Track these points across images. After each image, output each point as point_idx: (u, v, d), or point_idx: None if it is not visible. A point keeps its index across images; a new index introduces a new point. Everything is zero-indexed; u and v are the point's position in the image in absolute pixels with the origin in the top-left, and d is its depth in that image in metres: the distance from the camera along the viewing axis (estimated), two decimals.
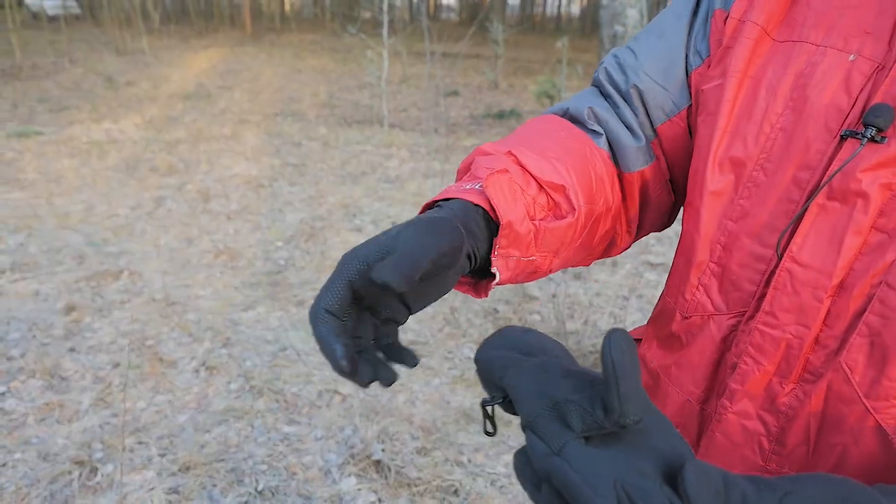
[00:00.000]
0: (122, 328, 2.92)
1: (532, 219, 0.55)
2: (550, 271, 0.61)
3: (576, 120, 0.68)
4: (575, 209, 0.56)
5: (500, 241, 0.53)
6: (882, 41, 0.50)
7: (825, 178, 0.50)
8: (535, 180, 0.56)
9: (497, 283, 0.55)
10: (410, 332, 3.02)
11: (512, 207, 0.53)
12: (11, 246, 3.77)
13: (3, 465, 2.08)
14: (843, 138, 0.49)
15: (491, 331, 3.07)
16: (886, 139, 0.47)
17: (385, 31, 7.30)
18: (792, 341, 0.52)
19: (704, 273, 0.59)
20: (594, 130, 0.66)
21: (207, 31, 18.18)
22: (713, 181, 0.58)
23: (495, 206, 0.52)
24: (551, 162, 0.57)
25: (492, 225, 0.54)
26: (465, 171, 0.61)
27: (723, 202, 0.58)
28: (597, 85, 0.71)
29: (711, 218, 0.58)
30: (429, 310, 3.24)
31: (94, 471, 2.07)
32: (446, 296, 3.46)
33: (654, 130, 0.67)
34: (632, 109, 0.66)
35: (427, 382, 2.65)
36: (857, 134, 0.48)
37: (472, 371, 2.74)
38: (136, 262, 3.63)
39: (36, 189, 4.80)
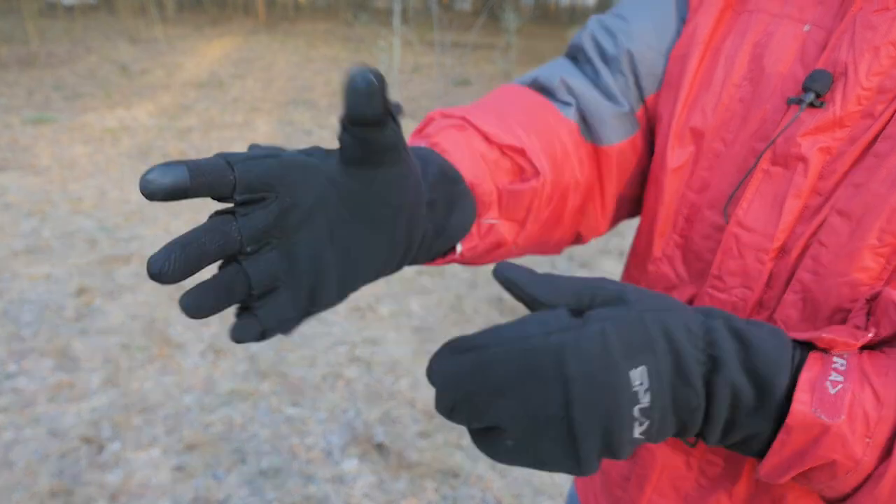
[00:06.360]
0: (132, 311, 2.96)
1: (494, 181, 0.54)
2: (516, 246, 0.59)
3: (545, 90, 0.64)
4: (539, 173, 0.55)
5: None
6: (832, 9, 0.51)
7: (768, 144, 0.50)
8: (497, 145, 0.55)
9: (459, 254, 0.52)
10: (415, 318, 3.04)
11: (467, 162, 0.51)
12: (25, 230, 3.83)
13: (15, 441, 2.13)
14: (789, 105, 0.50)
15: (496, 319, 3.09)
16: (825, 104, 0.48)
17: (396, 19, 7.29)
18: (737, 304, 0.53)
19: (668, 245, 0.59)
20: (563, 101, 0.63)
21: (221, 19, 18.22)
22: (675, 154, 0.58)
23: (452, 161, 0.50)
24: (511, 126, 0.55)
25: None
26: (417, 135, 0.57)
27: (684, 174, 0.58)
28: (574, 53, 0.67)
29: (674, 190, 0.58)
30: (434, 296, 3.26)
31: (101, 448, 2.12)
32: (452, 283, 3.49)
33: (643, 100, 0.63)
34: (616, 75, 0.62)
35: None
36: (799, 100, 0.49)
37: None
38: (146, 247, 3.67)
39: (50, 174, 4.86)
